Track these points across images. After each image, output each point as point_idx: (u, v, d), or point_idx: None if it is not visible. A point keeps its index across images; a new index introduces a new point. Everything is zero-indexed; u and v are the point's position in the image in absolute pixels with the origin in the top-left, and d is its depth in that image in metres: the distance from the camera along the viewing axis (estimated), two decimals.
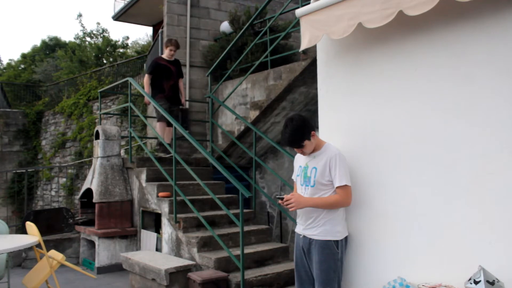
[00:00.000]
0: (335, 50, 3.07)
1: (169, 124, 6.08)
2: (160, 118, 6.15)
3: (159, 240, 5.56)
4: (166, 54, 6.32)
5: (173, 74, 6.29)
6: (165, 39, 8.34)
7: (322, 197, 2.73)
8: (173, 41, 6.33)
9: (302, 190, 2.84)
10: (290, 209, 2.70)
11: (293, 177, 3.01)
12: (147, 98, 6.13)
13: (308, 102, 6.03)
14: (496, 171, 2.24)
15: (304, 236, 2.82)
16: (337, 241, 2.73)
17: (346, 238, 2.81)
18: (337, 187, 2.70)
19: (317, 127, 3.10)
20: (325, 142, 2.85)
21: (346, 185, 2.70)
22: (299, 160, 2.95)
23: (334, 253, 2.71)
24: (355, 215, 2.86)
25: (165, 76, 6.21)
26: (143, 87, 6.21)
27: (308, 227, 2.79)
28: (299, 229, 2.89)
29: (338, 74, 3.05)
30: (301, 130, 2.70)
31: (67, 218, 6.91)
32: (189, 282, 4.21)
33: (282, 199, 2.74)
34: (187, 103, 8.06)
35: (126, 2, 13.30)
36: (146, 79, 6.21)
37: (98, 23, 25.37)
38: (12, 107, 15.24)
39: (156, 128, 6.28)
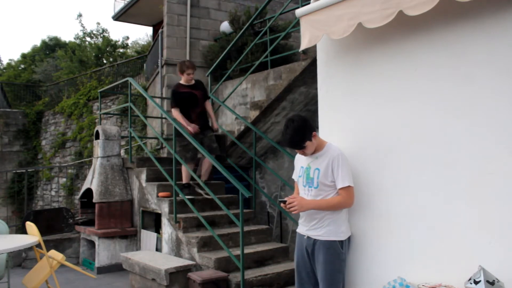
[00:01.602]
0: (335, 50, 3.07)
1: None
2: (191, 159, 5.29)
3: (159, 240, 5.56)
4: (184, 79, 5.37)
5: (199, 100, 5.39)
6: (165, 39, 8.37)
7: (324, 199, 2.70)
8: (187, 63, 5.36)
9: (305, 191, 2.81)
10: (293, 212, 2.68)
11: (294, 177, 2.99)
12: (190, 125, 5.26)
13: (308, 102, 6.03)
14: (496, 171, 2.23)
15: (308, 237, 2.79)
16: (341, 241, 2.71)
17: (349, 238, 2.80)
18: (339, 188, 2.68)
19: (317, 127, 3.10)
20: (327, 142, 2.82)
21: (348, 186, 2.68)
22: (300, 160, 2.91)
23: (339, 253, 2.69)
24: (355, 215, 2.86)
25: (190, 104, 5.34)
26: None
27: (313, 228, 2.75)
28: (302, 230, 2.85)
29: (338, 74, 3.05)
30: (302, 131, 2.67)
31: (67, 218, 6.91)
32: (189, 282, 4.21)
33: (284, 202, 2.71)
34: None
35: (126, 2, 13.31)
36: (175, 113, 5.29)
37: (98, 23, 25.43)
38: (12, 107, 15.25)
39: (182, 169, 5.35)
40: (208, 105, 5.56)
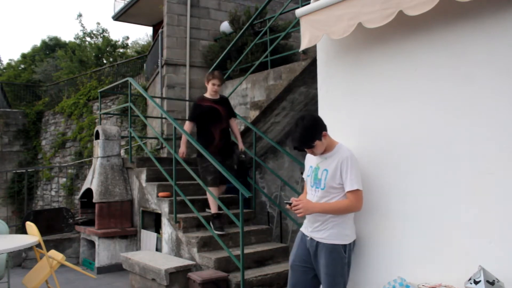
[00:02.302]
0: (335, 50, 3.07)
1: (222, 182, 4.91)
2: (214, 182, 4.79)
3: (159, 240, 5.56)
4: (208, 90, 4.92)
5: (222, 117, 4.91)
6: (165, 39, 8.37)
7: (331, 202, 2.64)
8: (215, 73, 4.91)
9: (311, 192, 2.76)
10: (298, 215, 2.61)
11: (304, 176, 2.93)
12: (182, 148, 4.94)
13: (308, 102, 6.03)
14: (496, 171, 2.23)
15: (311, 239, 2.73)
16: (345, 245, 2.65)
17: (354, 241, 2.73)
18: (347, 192, 2.61)
19: None
20: (337, 143, 2.74)
21: (357, 190, 2.60)
22: (310, 159, 2.84)
23: (342, 257, 2.63)
24: (356, 216, 2.85)
25: (212, 120, 4.86)
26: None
27: (316, 230, 2.70)
28: (306, 230, 2.79)
29: (338, 74, 3.05)
30: (312, 130, 2.59)
31: (67, 218, 6.91)
32: (189, 282, 4.21)
33: (290, 204, 2.64)
34: (187, 103, 8.08)
35: (126, 2, 13.32)
36: (186, 126, 4.93)
37: (98, 23, 25.44)
38: (12, 107, 15.25)
39: (208, 196, 4.84)
40: (234, 123, 5.09)
